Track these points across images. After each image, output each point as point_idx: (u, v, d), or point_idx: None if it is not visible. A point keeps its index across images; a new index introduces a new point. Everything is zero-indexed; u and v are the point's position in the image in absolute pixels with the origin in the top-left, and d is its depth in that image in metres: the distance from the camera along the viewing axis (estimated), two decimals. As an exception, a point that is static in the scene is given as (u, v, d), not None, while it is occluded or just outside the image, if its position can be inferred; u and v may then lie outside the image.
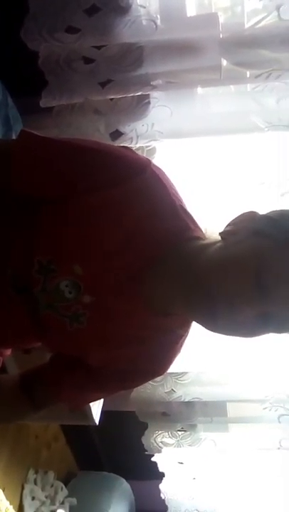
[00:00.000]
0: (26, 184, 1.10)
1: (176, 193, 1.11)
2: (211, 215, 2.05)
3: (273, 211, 1.01)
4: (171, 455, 3.03)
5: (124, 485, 3.56)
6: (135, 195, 1.06)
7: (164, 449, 2.95)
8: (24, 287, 1.11)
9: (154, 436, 2.93)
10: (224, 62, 1.87)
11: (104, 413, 2.56)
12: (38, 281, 1.09)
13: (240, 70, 1.89)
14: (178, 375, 2.64)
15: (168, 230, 1.08)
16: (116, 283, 1.08)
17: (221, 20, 1.85)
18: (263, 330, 0.96)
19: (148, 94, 1.96)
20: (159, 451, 2.97)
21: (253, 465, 2.99)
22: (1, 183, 1.11)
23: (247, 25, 1.83)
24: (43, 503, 3.10)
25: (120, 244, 1.06)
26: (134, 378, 1.29)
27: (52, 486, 3.26)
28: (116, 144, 1.94)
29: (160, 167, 1.11)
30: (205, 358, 2.52)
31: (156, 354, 1.22)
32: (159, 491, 3.23)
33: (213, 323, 1.01)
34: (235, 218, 1.06)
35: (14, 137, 1.76)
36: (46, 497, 3.16)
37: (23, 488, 3.03)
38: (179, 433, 2.90)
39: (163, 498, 3.28)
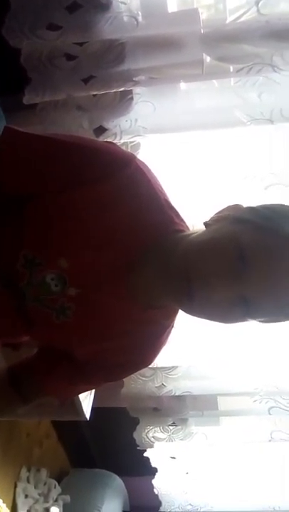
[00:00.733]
0: (11, 181, 1.11)
1: (161, 188, 1.12)
2: (195, 209, 2.06)
3: (258, 205, 1.02)
4: (164, 450, 3.04)
5: (117, 481, 3.58)
6: (120, 189, 1.06)
7: (156, 444, 2.96)
8: (10, 281, 1.12)
9: (146, 431, 2.94)
10: (207, 58, 1.88)
11: (95, 410, 2.56)
12: (23, 275, 1.10)
13: (222, 64, 1.91)
14: (168, 369, 2.65)
15: (152, 224, 1.09)
16: (101, 276, 1.09)
17: (203, 17, 1.86)
18: (238, 313, 0.96)
19: (131, 90, 1.97)
20: (151, 446, 2.98)
21: (244, 457, 3.01)
22: None
23: (228, 21, 1.85)
24: (36, 501, 3.12)
25: (105, 238, 1.07)
26: (122, 370, 1.30)
27: (45, 483, 3.27)
28: (100, 140, 1.95)
29: (144, 162, 1.11)
30: (194, 351, 2.53)
31: (142, 346, 1.23)
32: (152, 487, 3.24)
33: (190, 305, 1.02)
34: (220, 210, 1.07)
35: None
36: (39, 495, 3.17)
37: (15, 486, 3.04)
38: (171, 427, 2.91)
39: (156, 493, 3.29)
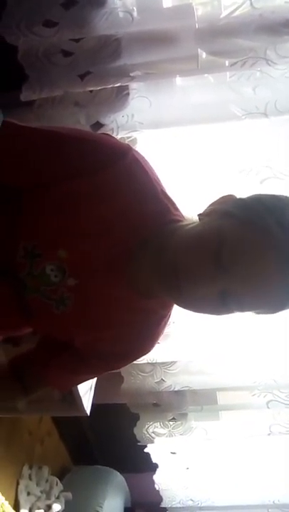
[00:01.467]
0: (9, 172, 1.13)
1: (158, 178, 1.13)
2: (192, 204, 2.07)
3: (250, 196, 1.03)
4: (164, 446, 3.05)
5: (118, 478, 3.59)
6: (117, 180, 1.07)
7: (157, 440, 2.98)
8: (11, 272, 1.13)
9: (146, 427, 2.95)
10: (202, 53, 1.89)
11: (96, 407, 2.57)
12: (23, 266, 1.11)
13: (217, 59, 1.92)
14: (167, 364, 2.67)
15: (149, 214, 1.10)
16: (100, 266, 1.11)
17: (199, 13, 1.88)
18: (224, 307, 0.98)
19: (127, 86, 1.98)
20: (152, 442, 2.99)
21: (244, 451, 3.02)
22: None
23: (222, 15, 1.86)
24: (38, 498, 3.12)
25: (103, 228, 1.08)
26: (120, 359, 1.32)
27: (47, 481, 3.28)
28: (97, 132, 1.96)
29: (141, 153, 1.12)
30: (193, 346, 2.54)
31: (140, 335, 1.24)
32: (153, 483, 3.25)
33: (178, 299, 1.05)
34: (214, 201, 1.08)
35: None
36: (41, 492, 3.18)
37: (18, 483, 3.05)
38: (171, 423, 2.92)
39: (157, 489, 3.30)
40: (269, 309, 0.99)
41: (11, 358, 1.39)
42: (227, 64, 1.92)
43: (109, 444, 3.60)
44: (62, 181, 1.08)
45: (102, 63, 1.90)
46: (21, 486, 3.04)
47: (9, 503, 2.63)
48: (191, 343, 2.51)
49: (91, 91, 2.00)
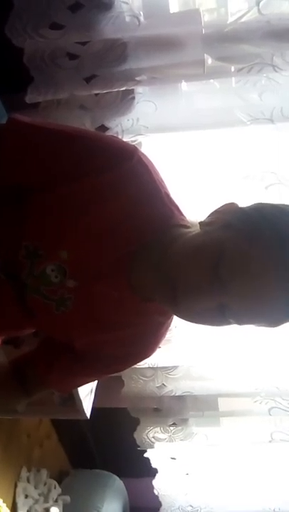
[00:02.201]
0: (13, 170, 1.11)
1: (162, 181, 1.12)
2: (197, 209, 2.06)
3: (253, 204, 1.01)
4: (164, 451, 3.05)
5: (117, 482, 3.58)
6: (121, 181, 1.06)
7: (157, 445, 2.97)
8: (12, 271, 1.13)
9: (147, 431, 2.95)
10: (208, 58, 1.89)
11: (96, 410, 2.57)
12: (24, 266, 1.11)
13: (223, 64, 1.92)
14: (168, 369, 2.66)
15: (153, 217, 1.09)
16: (101, 267, 1.10)
17: (205, 18, 1.88)
18: (222, 320, 0.96)
19: (133, 90, 1.98)
20: (152, 447, 2.99)
21: (245, 458, 3.01)
22: None
23: (229, 21, 1.86)
24: (36, 501, 3.12)
25: (105, 229, 1.07)
26: (121, 361, 1.31)
27: (45, 484, 3.27)
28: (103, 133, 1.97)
29: (147, 155, 1.11)
30: (195, 351, 2.54)
31: (141, 338, 1.23)
32: (152, 488, 3.25)
33: (175, 310, 1.04)
34: (217, 209, 1.06)
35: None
36: (39, 495, 3.17)
37: (16, 486, 3.04)
38: (171, 428, 2.92)
39: (156, 494, 3.29)
40: (268, 324, 0.98)
41: (12, 359, 1.38)
42: (233, 70, 1.92)
43: (109, 448, 3.59)
44: (66, 181, 1.07)
45: (108, 67, 1.90)
46: (19, 489, 3.03)
47: (7, 506, 2.64)
48: (192, 348, 2.50)
49: (96, 94, 2.00)
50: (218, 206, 1.07)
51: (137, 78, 1.92)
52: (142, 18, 1.83)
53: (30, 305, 1.16)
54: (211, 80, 2.02)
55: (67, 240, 1.08)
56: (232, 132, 2.04)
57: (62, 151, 1.09)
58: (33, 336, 1.41)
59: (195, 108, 2.04)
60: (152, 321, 1.21)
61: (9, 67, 1.93)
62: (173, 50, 1.87)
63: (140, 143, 2.05)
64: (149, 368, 2.65)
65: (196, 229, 1.05)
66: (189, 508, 3.33)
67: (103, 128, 2.04)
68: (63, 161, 1.08)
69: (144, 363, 2.50)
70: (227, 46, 1.85)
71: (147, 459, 3.09)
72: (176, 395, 2.70)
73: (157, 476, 3.20)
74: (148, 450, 3.04)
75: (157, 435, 2.95)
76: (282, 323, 0.97)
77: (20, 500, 2.99)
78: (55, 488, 3.30)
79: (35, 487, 3.16)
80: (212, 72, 1.94)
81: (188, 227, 1.10)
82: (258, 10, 1.79)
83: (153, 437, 2.96)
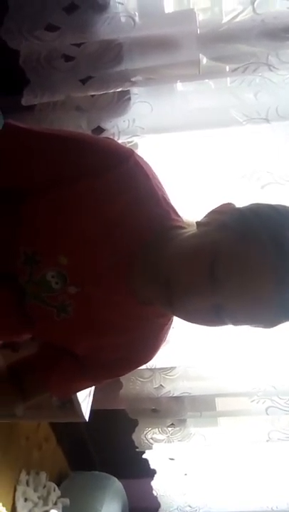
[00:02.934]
0: (8, 175, 1.11)
1: (159, 184, 1.12)
2: (193, 209, 2.06)
3: (249, 205, 1.01)
4: (162, 452, 3.05)
5: (116, 484, 3.57)
6: (118, 184, 1.06)
7: (155, 446, 2.97)
8: (11, 278, 1.12)
9: (145, 432, 2.95)
10: (203, 58, 1.89)
11: (94, 412, 2.57)
12: (24, 272, 1.10)
13: (219, 64, 1.92)
14: (166, 370, 2.66)
15: (150, 220, 1.09)
16: (101, 271, 1.09)
17: (200, 18, 1.88)
18: (217, 320, 0.96)
19: (128, 91, 1.99)
20: (150, 448, 2.99)
21: (242, 458, 3.01)
22: None
23: (224, 21, 1.86)
24: (35, 505, 3.10)
25: (103, 232, 1.07)
26: (121, 366, 1.30)
27: (44, 486, 3.26)
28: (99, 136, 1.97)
29: (143, 158, 1.11)
30: (192, 352, 2.54)
31: (141, 343, 1.23)
32: (151, 488, 3.25)
33: (170, 310, 1.05)
34: (213, 209, 1.06)
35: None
36: (39, 498, 3.16)
37: (15, 489, 3.03)
38: (169, 429, 2.92)
39: (155, 495, 3.29)
40: (263, 325, 0.98)
41: (10, 363, 1.37)
42: (228, 69, 1.92)
43: (108, 449, 3.59)
44: (63, 185, 1.06)
45: (104, 68, 1.90)
46: (19, 492, 3.02)
47: (6, 509, 2.63)
48: (190, 348, 2.51)
49: (92, 95, 2.00)
50: (215, 206, 1.07)
51: (133, 79, 1.93)
52: (137, 19, 1.84)
53: (29, 311, 1.15)
54: (206, 80, 2.02)
55: (65, 245, 1.07)
56: (228, 132, 2.04)
57: (58, 154, 1.08)
58: (31, 340, 1.39)
59: (191, 108, 2.03)
60: (152, 325, 1.21)
61: (5, 69, 1.92)
62: (168, 51, 1.88)
63: (136, 144, 2.05)
64: (147, 369, 2.66)
65: (193, 229, 1.05)
66: (188, 509, 3.33)
67: (99, 129, 2.04)
68: (59, 165, 1.07)
69: (141, 365, 2.50)
70: (222, 46, 1.85)
71: (146, 460, 3.09)
72: (174, 395, 2.70)
73: (156, 476, 3.20)
74: (146, 451, 3.04)
75: (155, 436, 2.95)
76: (278, 324, 0.97)
77: (20, 503, 2.98)
78: (54, 490, 3.29)
79: (35, 490, 3.15)
80: (207, 72, 1.95)
81: (184, 228, 1.09)
82: (253, 9, 1.79)
83: (151, 438, 2.96)
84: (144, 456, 3.06)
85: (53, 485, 3.32)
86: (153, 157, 1.99)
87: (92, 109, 2.01)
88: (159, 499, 3.32)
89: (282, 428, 2.76)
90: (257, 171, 2.09)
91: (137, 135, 2.03)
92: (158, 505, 3.35)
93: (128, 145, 2.05)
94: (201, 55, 1.88)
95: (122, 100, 2.00)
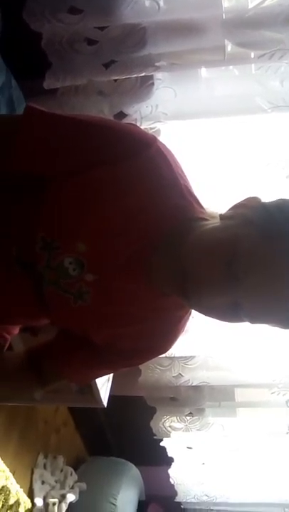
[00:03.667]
0: (31, 160, 1.10)
1: (182, 172, 1.10)
2: (217, 196, 2.04)
3: (275, 201, 0.98)
4: (180, 440, 3.05)
5: (133, 470, 3.59)
6: (140, 171, 1.04)
7: (173, 434, 2.97)
8: (29, 263, 1.11)
9: (163, 420, 2.96)
10: (228, 44, 1.86)
11: (113, 398, 2.57)
12: (42, 258, 1.09)
13: (244, 50, 1.89)
14: (185, 359, 2.65)
15: (171, 209, 1.07)
16: (119, 260, 1.07)
17: (226, 3, 1.84)
18: (234, 317, 0.94)
19: (152, 76, 1.96)
20: (168, 436, 2.99)
21: (261, 449, 3.00)
22: (6, 159, 1.11)
23: (250, 6, 1.82)
24: (52, 488, 3.14)
25: (123, 221, 1.05)
26: (138, 356, 1.29)
27: (61, 470, 3.29)
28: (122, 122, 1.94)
29: (166, 146, 1.09)
30: (212, 342, 2.53)
31: (159, 332, 1.21)
32: (168, 476, 3.26)
33: (188, 304, 1.03)
34: (238, 202, 1.04)
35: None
36: (56, 481, 3.20)
37: (32, 472, 3.06)
38: (188, 418, 2.92)
39: (172, 483, 3.30)
40: (282, 325, 0.95)
41: (29, 349, 1.37)
42: (253, 56, 1.89)
43: (125, 436, 3.61)
44: (84, 170, 1.04)
45: (127, 52, 1.88)
46: (36, 475, 3.05)
47: (24, 491, 2.66)
48: (210, 338, 2.49)
49: (115, 80, 1.98)
50: (241, 199, 1.04)
51: (157, 64, 1.90)
52: (161, 3, 1.80)
53: (47, 297, 1.14)
54: (231, 67, 1.98)
55: (85, 232, 1.05)
56: (252, 119, 2.01)
57: (81, 139, 1.06)
58: (50, 325, 1.39)
59: (215, 95, 2.01)
60: (170, 316, 1.19)
61: (27, 52, 1.91)
62: (193, 36, 1.85)
63: (159, 130, 2.03)
64: (166, 357, 2.65)
65: (216, 222, 1.03)
66: (205, 498, 3.34)
67: (121, 114, 2.02)
68: (80, 150, 1.05)
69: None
70: (248, 32, 1.82)
71: (163, 448, 3.09)
72: (193, 384, 2.70)
73: (173, 465, 3.21)
74: (164, 439, 3.04)
75: (174, 424, 2.96)
76: None
77: (37, 486, 3.01)
78: (71, 475, 3.32)
79: (52, 473, 3.18)
80: (232, 59, 1.92)
81: (207, 220, 1.07)
82: (280, -6, 1.75)
83: (169, 426, 2.96)
84: (161, 443, 3.07)
85: (70, 469, 3.35)
86: (175, 144, 1.98)
87: (114, 94, 1.99)
88: (176, 487, 3.33)
89: (302, 421, 2.75)
90: (282, 159, 2.05)
91: (160, 121, 2.01)
92: (175, 493, 3.36)
93: (150, 131, 2.03)
94: (226, 40, 1.85)
95: (145, 85, 1.97)
